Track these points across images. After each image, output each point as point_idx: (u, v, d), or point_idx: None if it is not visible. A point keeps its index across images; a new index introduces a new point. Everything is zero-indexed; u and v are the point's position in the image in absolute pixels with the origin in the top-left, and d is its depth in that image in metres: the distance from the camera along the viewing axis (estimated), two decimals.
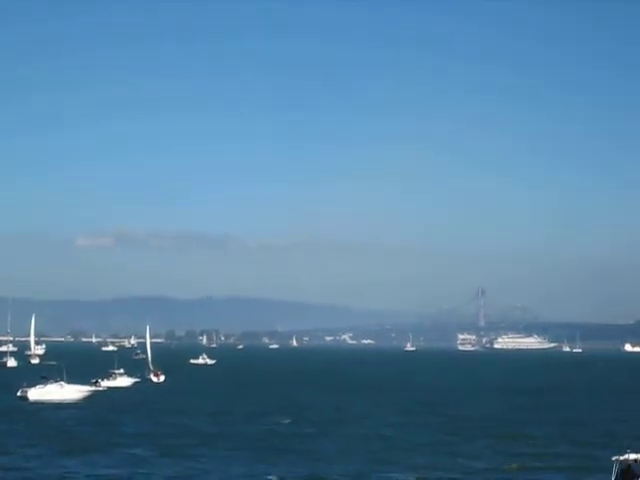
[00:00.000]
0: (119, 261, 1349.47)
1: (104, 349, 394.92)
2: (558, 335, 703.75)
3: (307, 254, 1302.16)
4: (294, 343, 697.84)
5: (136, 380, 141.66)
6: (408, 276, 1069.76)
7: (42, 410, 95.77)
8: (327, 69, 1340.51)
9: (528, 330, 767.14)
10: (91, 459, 62.03)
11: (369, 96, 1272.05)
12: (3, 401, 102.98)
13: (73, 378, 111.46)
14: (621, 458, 45.66)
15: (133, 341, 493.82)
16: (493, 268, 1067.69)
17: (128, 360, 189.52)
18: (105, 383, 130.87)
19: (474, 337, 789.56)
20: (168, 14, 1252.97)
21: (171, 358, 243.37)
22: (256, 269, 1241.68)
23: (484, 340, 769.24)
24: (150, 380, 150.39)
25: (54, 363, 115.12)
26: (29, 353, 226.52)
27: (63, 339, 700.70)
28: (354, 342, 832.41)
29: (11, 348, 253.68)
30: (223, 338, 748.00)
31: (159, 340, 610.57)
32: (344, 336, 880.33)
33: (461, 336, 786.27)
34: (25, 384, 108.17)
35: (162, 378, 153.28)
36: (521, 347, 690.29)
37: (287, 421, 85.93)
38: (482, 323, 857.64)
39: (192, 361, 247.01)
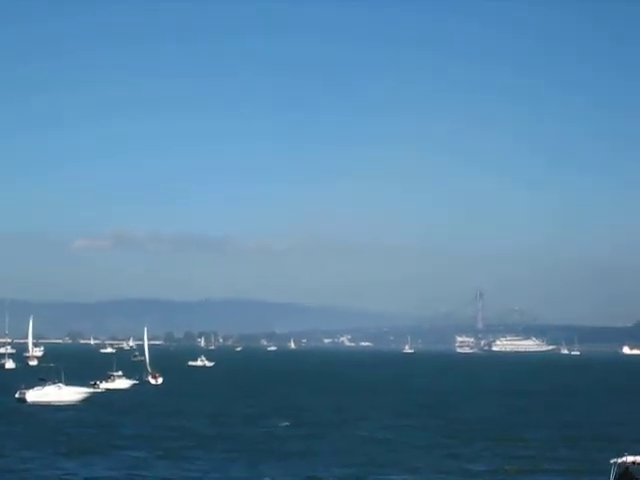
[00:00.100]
0: (117, 263, 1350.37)
1: (102, 351, 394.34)
2: (556, 338, 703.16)
3: (306, 255, 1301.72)
4: (292, 345, 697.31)
5: (134, 382, 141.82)
6: (407, 276, 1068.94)
7: (40, 412, 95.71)
8: (327, 69, 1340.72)
9: (526, 332, 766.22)
10: (89, 461, 62.02)
11: (369, 96, 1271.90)
12: (1, 403, 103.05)
13: (71, 380, 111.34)
14: (619, 461, 45.58)
15: (131, 343, 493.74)
16: (492, 268, 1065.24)
17: (126, 362, 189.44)
18: (103, 385, 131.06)
19: (472, 340, 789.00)
20: (168, 14, 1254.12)
21: (169, 360, 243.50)
22: (255, 271, 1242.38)
23: (482, 343, 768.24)
24: (148, 382, 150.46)
25: (52, 365, 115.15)
26: (27, 355, 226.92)
27: (61, 341, 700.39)
28: (352, 344, 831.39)
29: (9, 350, 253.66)
30: (221, 340, 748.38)
31: (157, 342, 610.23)
32: (342, 338, 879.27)
33: (459, 339, 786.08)
34: (23, 386, 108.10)
35: (160, 380, 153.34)
36: (519, 350, 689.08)
37: (285, 423, 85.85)
38: (480, 326, 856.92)
39: (190, 363, 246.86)
